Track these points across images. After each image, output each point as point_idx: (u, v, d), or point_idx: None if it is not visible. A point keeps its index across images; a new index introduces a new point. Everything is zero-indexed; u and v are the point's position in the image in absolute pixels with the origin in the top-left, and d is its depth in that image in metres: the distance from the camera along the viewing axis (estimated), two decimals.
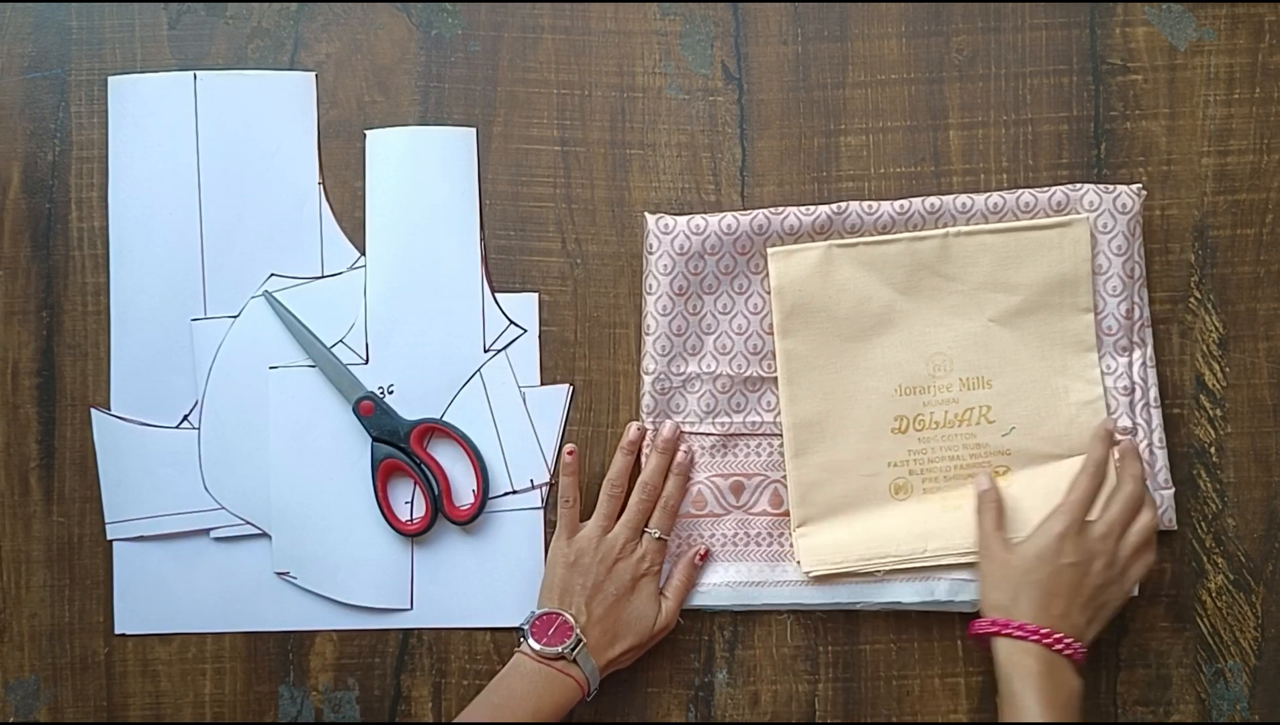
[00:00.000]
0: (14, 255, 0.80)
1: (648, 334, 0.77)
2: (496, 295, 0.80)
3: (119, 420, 0.80)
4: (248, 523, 0.79)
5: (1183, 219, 0.79)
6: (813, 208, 0.76)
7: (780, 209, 0.76)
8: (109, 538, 0.80)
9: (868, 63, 0.79)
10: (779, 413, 0.78)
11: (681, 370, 0.77)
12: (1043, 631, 0.68)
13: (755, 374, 0.77)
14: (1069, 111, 0.79)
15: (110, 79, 0.80)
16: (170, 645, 0.80)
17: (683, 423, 0.77)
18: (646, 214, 0.78)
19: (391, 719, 0.79)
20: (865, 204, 0.76)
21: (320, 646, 0.80)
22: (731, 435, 0.78)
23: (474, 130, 0.80)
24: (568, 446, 0.77)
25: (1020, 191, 0.76)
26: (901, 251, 0.76)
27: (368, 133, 0.80)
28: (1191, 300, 0.78)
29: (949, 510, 0.76)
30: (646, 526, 0.76)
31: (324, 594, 0.79)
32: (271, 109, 0.80)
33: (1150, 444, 0.76)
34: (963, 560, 0.75)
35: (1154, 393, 0.76)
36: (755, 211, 0.76)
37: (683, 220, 0.77)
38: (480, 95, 0.80)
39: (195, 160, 0.80)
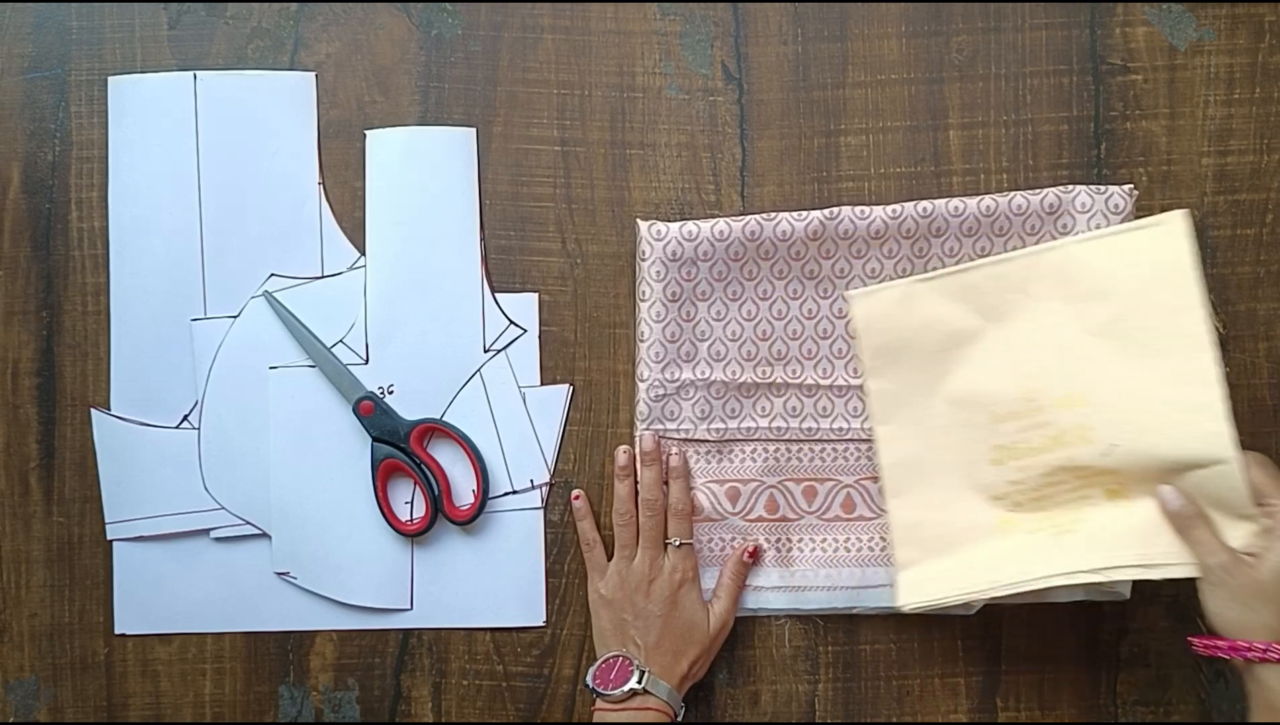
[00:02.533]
0: (14, 255, 0.80)
1: (641, 341, 0.77)
2: (496, 295, 0.80)
3: (119, 420, 0.80)
4: (248, 523, 0.79)
5: None
6: (805, 213, 0.76)
7: (773, 215, 0.76)
8: (109, 538, 0.80)
9: (868, 63, 0.79)
10: (775, 418, 0.78)
11: (676, 377, 0.77)
12: None
13: (749, 380, 0.77)
14: (1069, 111, 0.79)
15: (110, 79, 0.80)
16: (170, 645, 0.80)
17: (678, 429, 0.77)
18: (639, 220, 0.77)
19: (391, 719, 0.79)
20: (858, 209, 0.76)
21: (320, 646, 0.80)
22: (726, 441, 0.78)
23: (474, 130, 0.80)
24: (574, 492, 0.77)
25: (1012, 194, 0.76)
26: (986, 278, 0.74)
27: (368, 133, 0.80)
28: None
29: (1061, 533, 0.72)
30: (666, 538, 0.76)
31: (324, 594, 0.79)
32: (271, 109, 0.80)
33: None
34: (1076, 581, 0.70)
35: None
36: (747, 217, 0.76)
37: (675, 226, 0.77)
38: (480, 95, 0.80)
39: (195, 160, 0.80)
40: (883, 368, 0.75)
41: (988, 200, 0.76)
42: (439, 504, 0.78)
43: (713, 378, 0.77)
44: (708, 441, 0.78)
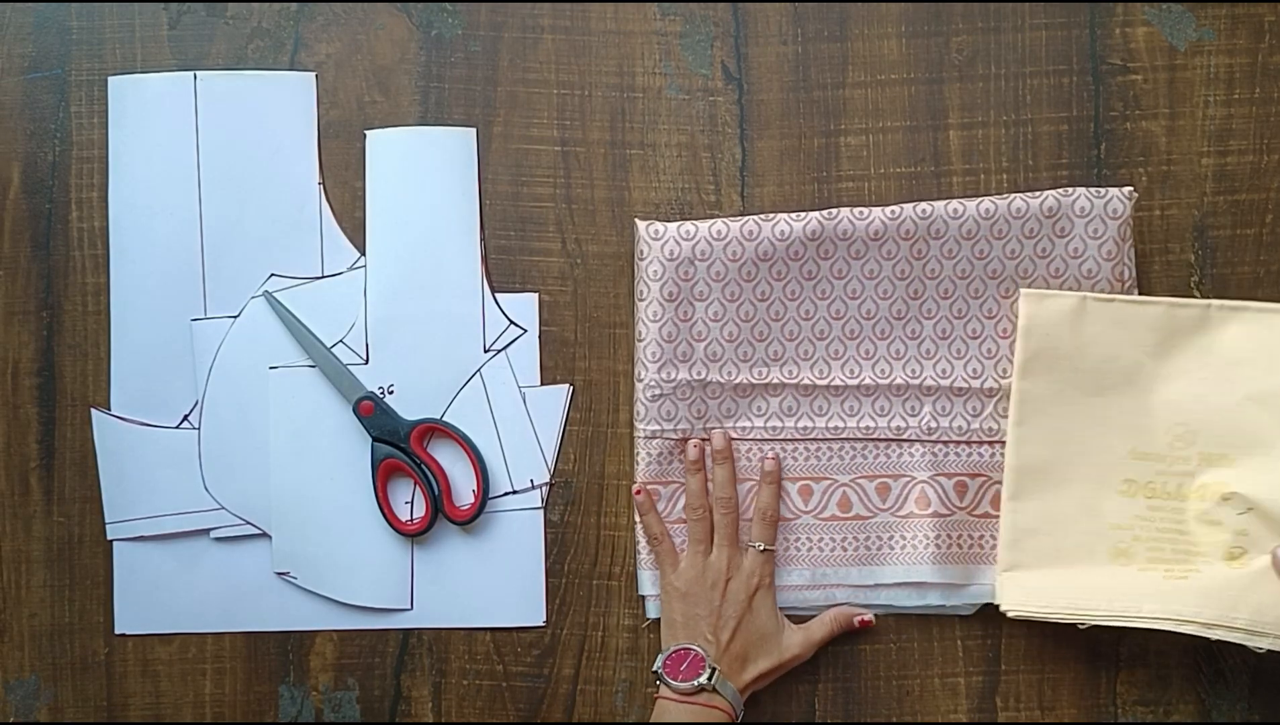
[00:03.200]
0: (14, 255, 0.80)
1: (640, 340, 0.77)
2: (496, 295, 0.80)
3: (119, 420, 0.80)
4: (248, 523, 0.79)
5: (1183, 219, 0.79)
6: (804, 214, 0.76)
7: (771, 215, 0.76)
8: (109, 538, 0.80)
9: (868, 63, 0.79)
10: (770, 417, 0.77)
11: (672, 377, 0.77)
12: None
13: (745, 381, 0.77)
14: (1069, 111, 0.79)
15: (110, 79, 0.80)
16: (170, 645, 0.80)
17: (674, 429, 0.77)
18: (637, 220, 0.78)
19: (391, 719, 0.79)
20: (856, 210, 0.76)
21: (320, 646, 0.80)
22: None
23: (474, 130, 0.80)
24: (634, 488, 0.77)
25: (1012, 197, 0.76)
26: (1159, 315, 0.74)
27: (368, 133, 0.80)
28: (1192, 299, 0.78)
29: (1173, 579, 0.73)
30: (749, 540, 0.76)
31: (324, 594, 0.79)
32: (271, 109, 0.80)
33: None
34: (1185, 629, 0.71)
35: None
36: (746, 217, 0.76)
37: (673, 226, 0.77)
38: (480, 95, 0.80)
39: (195, 160, 0.80)
40: (1036, 371, 0.76)
41: (987, 202, 0.76)
42: (439, 504, 0.78)
43: (709, 378, 0.77)
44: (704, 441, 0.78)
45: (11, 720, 0.80)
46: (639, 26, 0.80)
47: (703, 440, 0.77)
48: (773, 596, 0.76)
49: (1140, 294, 0.77)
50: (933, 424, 0.77)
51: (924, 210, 0.76)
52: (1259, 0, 0.79)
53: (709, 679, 0.72)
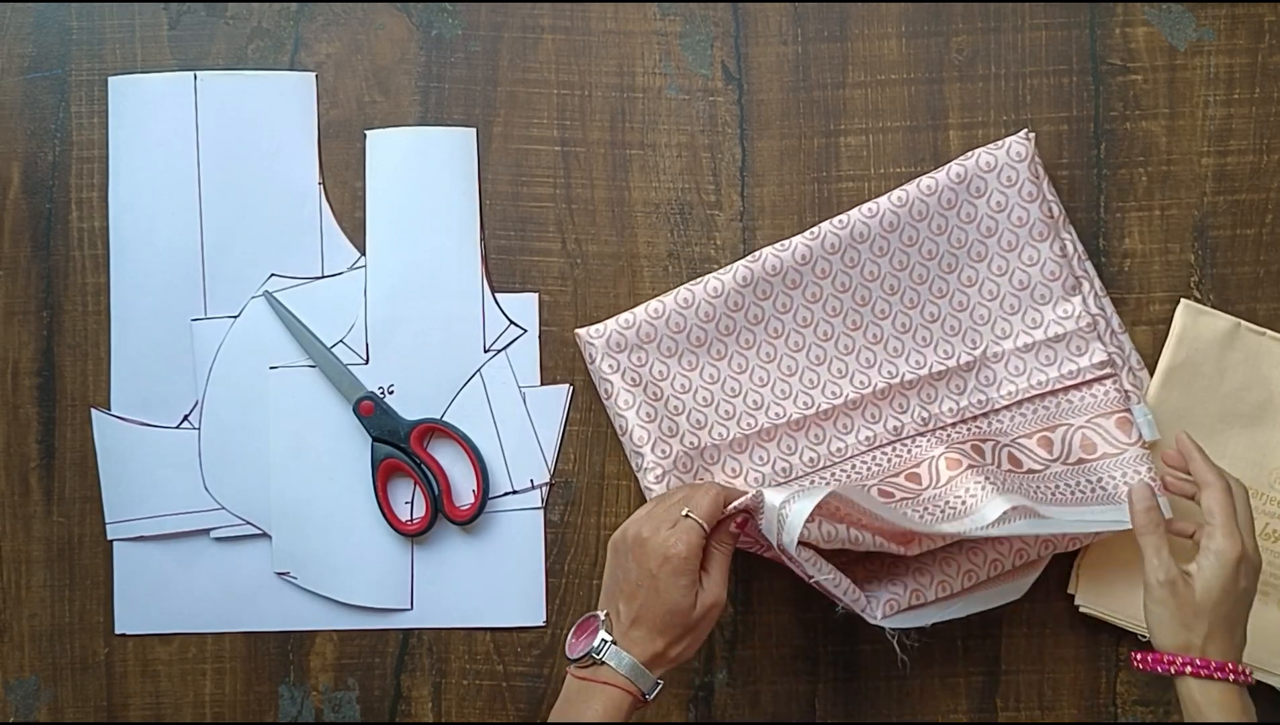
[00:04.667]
0: (14, 255, 0.80)
1: (624, 433, 0.76)
2: (496, 295, 0.80)
3: (119, 420, 0.80)
4: (248, 523, 0.79)
5: (1183, 219, 0.79)
6: (730, 266, 0.76)
7: (699, 278, 0.77)
8: (109, 538, 0.80)
9: (868, 63, 0.79)
10: (774, 462, 0.77)
11: (667, 452, 0.75)
12: (1238, 669, 0.65)
13: (737, 435, 0.77)
14: (1069, 111, 0.79)
15: (110, 79, 0.80)
16: (170, 645, 0.80)
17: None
18: (577, 331, 0.77)
19: (391, 719, 0.79)
20: (777, 244, 0.76)
21: (320, 646, 0.80)
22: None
23: (474, 130, 0.80)
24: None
25: (918, 178, 0.76)
26: None
27: (368, 133, 0.80)
28: (1191, 300, 0.78)
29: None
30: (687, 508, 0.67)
31: (324, 594, 0.79)
32: (271, 109, 0.80)
33: (1129, 366, 0.77)
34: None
35: (1116, 320, 0.77)
36: (677, 288, 0.77)
37: (610, 322, 0.77)
38: (480, 95, 0.80)
39: (195, 160, 0.80)
40: (1173, 382, 0.76)
41: (898, 192, 0.76)
42: (439, 504, 0.78)
43: (702, 443, 0.77)
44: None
45: (11, 720, 0.80)
46: (639, 26, 0.80)
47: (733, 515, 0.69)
48: (686, 568, 0.65)
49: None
50: (924, 413, 0.77)
51: (839, 221, 0.76)
52: (1259, 0, 0.79)
53: (599, 650, 0.65)
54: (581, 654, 0.65)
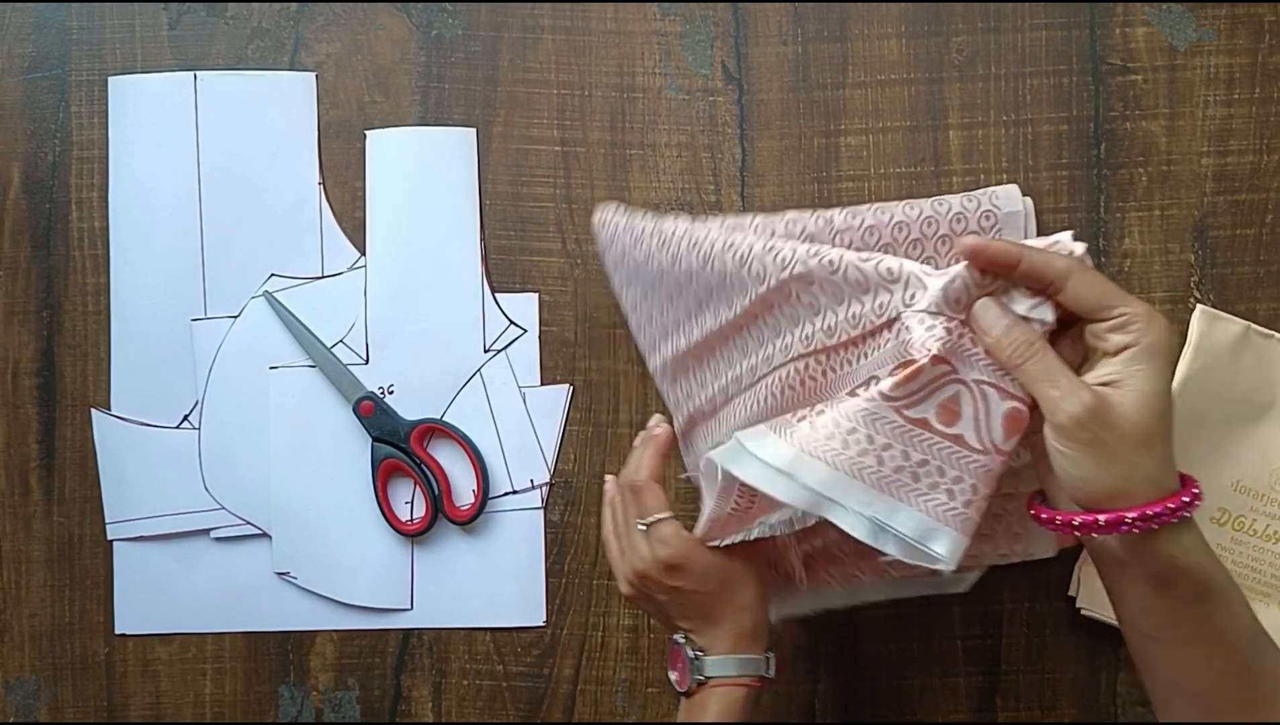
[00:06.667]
0: (14, 255, 0.80)
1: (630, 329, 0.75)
2: (496, 295, 0.80)
3: (119, 420, 0.80)
4: (248, 523, 0.79)
5: (1183, 219, 0.79)
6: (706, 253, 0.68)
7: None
8: (109, 538, 0.80)
9: (868, 63, 0.79)
10: (727, 373, 0.69)
11: (657, 365, 0.74)
12: (1193, 482, 0.52)
13: (699, 337, 0.69)
14: (1069, 111, 0.79)
15: (110, 79, 0.80)
16: (170, 645, 0.80)
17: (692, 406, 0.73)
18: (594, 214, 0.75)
19: (391, 719, 0.79)
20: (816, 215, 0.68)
21: (320, 646, 0.80)
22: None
23: (474, 130, 0.80)
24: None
25: (933, 199, 0.67)
26: None
27: (368, 133, 0.80)
28: (1191, 300, 0.78)
29: None
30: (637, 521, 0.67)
31: (324, 594, 0.79)
32: (271, 109, 0.80)
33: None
34: None
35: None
36: (677, 228, 0.69)
37: (619, 216, 0.72)
38: (480, 95, 0.80)
39: (195, 160, 0.80)
40: (1189, 389, 0.76)
41: (911, 207, 0.66)
42: (439, 504, 0.78)
43: (673, 352, 0.71)
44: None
45: (11, 720, 0.80)
46: (639, 26, 0.80)
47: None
48: (696, 555, 0.64)
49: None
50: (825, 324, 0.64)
51: (799, 271, 0.63)
52: (1259, 0, 0.79)
53: (696, 667, 0.64)
54: (688, 679, 0.64)
